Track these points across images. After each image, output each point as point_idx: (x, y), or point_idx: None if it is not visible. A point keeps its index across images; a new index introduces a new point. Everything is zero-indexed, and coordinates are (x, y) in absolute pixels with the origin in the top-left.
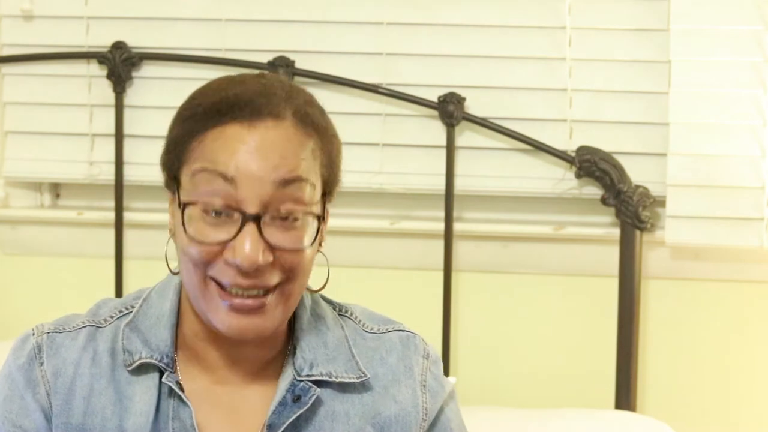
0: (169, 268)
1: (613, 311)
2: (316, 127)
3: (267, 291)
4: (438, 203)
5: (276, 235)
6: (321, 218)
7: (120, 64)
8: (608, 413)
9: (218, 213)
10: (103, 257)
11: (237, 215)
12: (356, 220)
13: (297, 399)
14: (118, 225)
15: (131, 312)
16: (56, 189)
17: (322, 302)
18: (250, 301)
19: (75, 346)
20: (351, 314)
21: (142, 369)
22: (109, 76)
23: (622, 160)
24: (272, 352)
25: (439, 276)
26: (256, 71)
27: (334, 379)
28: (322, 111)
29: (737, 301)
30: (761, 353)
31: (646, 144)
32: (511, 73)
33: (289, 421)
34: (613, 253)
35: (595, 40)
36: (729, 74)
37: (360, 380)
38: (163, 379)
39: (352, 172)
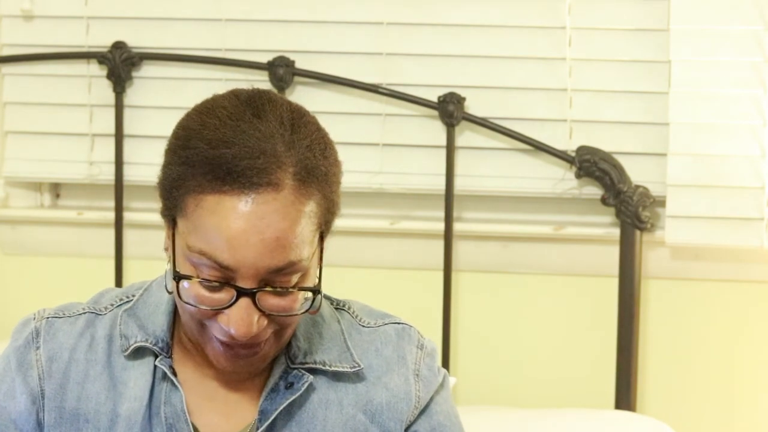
0: (167, 290)
1: (613, 311)
2: (318, 178)
3: (261, 343)
4: (438, 203)
5: (270, 301)
6: (318, 291)
7: (120, 64)
8: (608, 413)
9: (215, 286)
10: (103, 257)
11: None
12: (356, 220)
13: (290, 386)
14: (118, 225)
15: (131, 300)
16: (56, 189)
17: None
18: (244, 351)
19: (73, 331)
20: (348, 308)
21: (138, 354)
22: (109, 76)
23: (622, 160)
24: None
25: (439, 276)
26: (254, 88)
27: (327, 368)
28: (324, 148)
29: (737, 301)
30: (761, 353)
31: (646, 144)
32: (511, 73)
33: (282, 407)
34: (613, 253)
35: (595, 40)
36: (729, 74)
37: (353, 370)
38: (156, 362)
39: (352, 172)
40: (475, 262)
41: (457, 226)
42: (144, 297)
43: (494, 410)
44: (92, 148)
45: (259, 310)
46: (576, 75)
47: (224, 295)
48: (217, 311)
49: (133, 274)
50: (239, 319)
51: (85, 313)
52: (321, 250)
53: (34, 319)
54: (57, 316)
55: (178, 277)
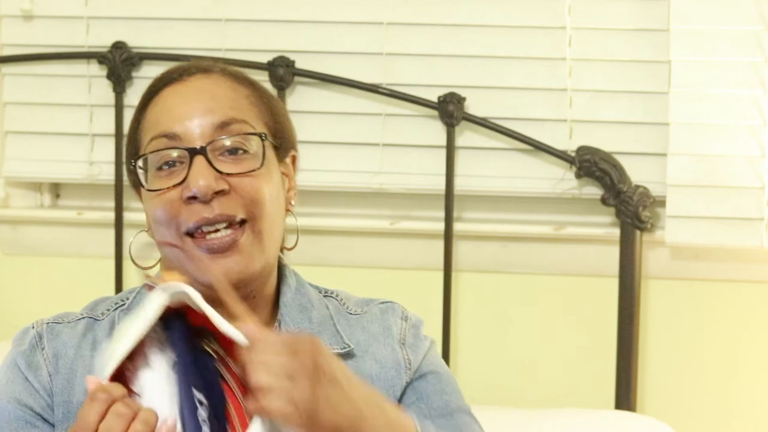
0: (134, 262)
1: (613, 311)
2: (249, 81)
3: (235, 226)
4: (438, 203)
5: (226, 166)
6: (264, 136)
7: (120, 64)
8: (608, 413)
9: (171, 164)
10: (103, 257)
11: (186, 155)
12: (356, 220)
13: None
14: (118, 225)
15: (125, 303)
16: (56, 189)
17: (308, 285)
18: (221, 235)
19: (75, 333)
20: (336, 296)
21: None
22: (109, 76)
23: (622, 160)
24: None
25: (439, 276)
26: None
27: None
28: (258, 82)
29: (737, 301)
30: (761, 353)
31: (646, 144)
32: (511, 73)
33: None
34: (613, 253)
35: (595, 40)
36: (729, 74)
37: (344, 350)
38: None
39: (352, 172)
40: (475, 262)
41: (457, 226)
42: (137, 298)
43: (494, 410)
44: (92, 148)
45: (215, 169)
46: (576, 75)
47: (183, 171)
48: (181, 192)
49: (133, 274)
50: (197, 175)
51: (83, 318)
52: (270, 149)
53: (33, 327)
54: (56, 322)
55: (138, 158)
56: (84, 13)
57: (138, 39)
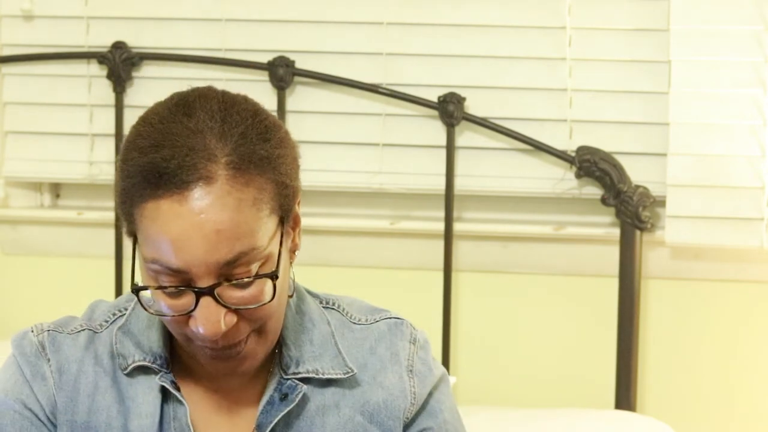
0: (142, 306)
1: (613, 311)
2: (257, 163)
3: (242, 341)
4: (438, 203)
5: (234, 296)
6: (275, 276)
7: (120, 64)
8: (608, 413)
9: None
10: (103, 257)
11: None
12: (356, 220)
13: (284, 397)
14: (118, 225)
15: (124, 315)
16: (56, 189)
17: (308, 297)
18: (228, 352)
19: (76, 345)
20: (338, 306)
21: (141, 371)
22: (109, 76)
23: (622, 160)
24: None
25: (439, 276)
26: (193, 87)
27: (321, 376)
28: (264, 131)
29: (737, 301)
30: (761, 353)
31: (646, 144)
32: (511, 73)
33: (277, 419)
34: (613, 253)
35: (595, 40)
36: (729, 74)
37: (347, 376)
38: (157, 379)
39: (352, 172)
40: (475, 262)
41: (457, 226)
42: (136, 310)
43: (494, 410)
44: (92, 148)
45: (224, 306)
46: (576, 75)
47: (188, 299)
48: (187, 316)
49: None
50: (205, 320)
51: (84, 329)
52: (282, 235)
53: (33, 332)
54: (57, 330)
55: (136, 290)
56: (84, 13)
57: (138, 39)
